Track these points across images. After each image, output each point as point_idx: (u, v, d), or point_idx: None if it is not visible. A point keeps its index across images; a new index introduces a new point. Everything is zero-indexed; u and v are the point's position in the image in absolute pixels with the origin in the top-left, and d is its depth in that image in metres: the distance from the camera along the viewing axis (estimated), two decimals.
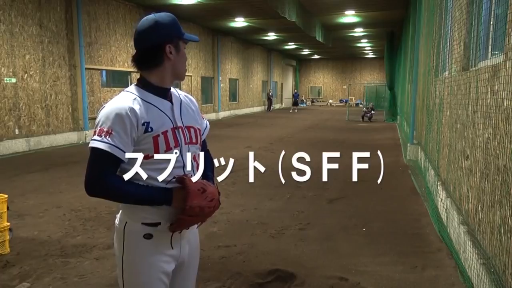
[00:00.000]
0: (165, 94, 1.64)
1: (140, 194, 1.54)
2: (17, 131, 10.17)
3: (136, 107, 1.54)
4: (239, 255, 3.85)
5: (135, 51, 1.62)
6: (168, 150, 1.58)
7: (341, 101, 38.06)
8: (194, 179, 1.62)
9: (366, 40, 25.70)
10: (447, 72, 5.38)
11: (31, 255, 3.81)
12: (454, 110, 4.64)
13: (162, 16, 1.60)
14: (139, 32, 1.59)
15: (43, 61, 10.86)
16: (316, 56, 37.56)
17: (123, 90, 1.64)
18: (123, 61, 14.10)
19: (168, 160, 1.57)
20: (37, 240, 4.20)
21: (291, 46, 28.63)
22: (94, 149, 1.50)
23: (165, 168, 1.55)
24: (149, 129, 1.54)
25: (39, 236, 4.32)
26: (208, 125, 1.90)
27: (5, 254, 3.77)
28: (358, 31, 21.60)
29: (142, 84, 1.62)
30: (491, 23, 3.59)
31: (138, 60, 1.61)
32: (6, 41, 9.75)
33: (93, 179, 1.51)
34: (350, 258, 3.79)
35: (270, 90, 31.03)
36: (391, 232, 4.50)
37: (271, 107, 30.57)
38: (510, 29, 2.65)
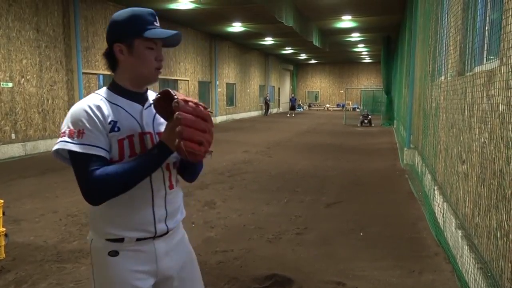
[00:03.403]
0: (136, 98, 1.53)
1: (138, 164, 1.42)
2: (13, 136, 10.13)
3: (103, 106, 1.46)
4: (236, 260, 3.84)
5: None
6: (133, 155, 1.46)
7: (338, 105, 38.16)
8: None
9: (362, 45, 25.83)
10: (443, 77, 5.41)
11: (27, 261, 3.79)
12: (450, 115, 4.67)
13: (120, 13, 1.49)
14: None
15: (40, 66, 10.84)
16: (313, 61, 37.70)
17: (93, 92, 1.56)
18: None
19: None
20: (33, 246, 4.17)
21: (288, 50, 28.74)
22: (72, 154, 1.38)
23: None
24: (115, 129, 1.44)
25: (35, 242, 4.29)
26: None
27: (1, 259, 3.75)
28: (355, 36, 21.71)
29: (112, 87, 1.53)
30: (486, 28, 3.62)
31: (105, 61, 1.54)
32: (3, 46, 9.74)
33: (88, 185, 1.37)
34: (348, 262, 3.79)
35: (268, 95, 31.09)
36: (388, 237, 4.50)
37: (269, 112, 30.62)
38: (505, 35, 2.68)
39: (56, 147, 1.41)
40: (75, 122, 1.41)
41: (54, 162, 8.62)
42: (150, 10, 1.52)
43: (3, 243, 3.79)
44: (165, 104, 1.42)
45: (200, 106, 1.43)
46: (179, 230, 1.69)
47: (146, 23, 1.47)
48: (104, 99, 1.49)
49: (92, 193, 1.39)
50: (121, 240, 1.49)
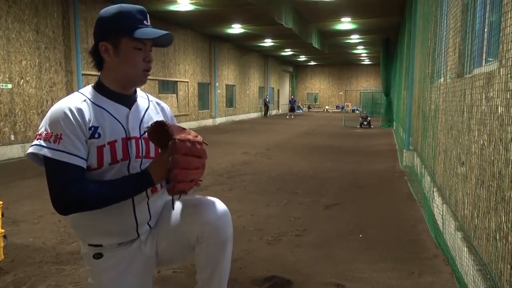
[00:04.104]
0: (123, 100, 1.44)
1: (119, 190, 1.34)
2: (12, 137, 10.13)
3: (85, 109, 1.35)
4: (235, 261, 3.82)
5: None
6: (114, 163, 1.38)
7: (337, 107, 38.19)
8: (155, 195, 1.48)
9: (362, 47, 25.87)
10: (442, 79, 5.42)
11: (25, 262, 3.78)
12: (449, 117, 4.67)
13: (108, 9, 1.39)
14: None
15: (40, 67, 10.84)
16: (312, 63, 37.75)
17: (76, 91, 1.45)
18: None
19: (109, 174, 1.36)
20: (31, 247, 4.17)
21: (287, 52, 28.77)
22: (47, 160, 1.28)
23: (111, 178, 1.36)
24: (96, 135, 1.34)
25: (34, 243, 4.28)
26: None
27: (0, 261, 3.74)
28: (354, 38, 21.75)
29: (98, 87, 1.43)
30: (485, 30, 3.63)
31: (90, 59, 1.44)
32: (2, 47, 9.74)
33: (60, 196, 1.29)
34: (347, 264, 3.78)
35: (267, 96, 31.11)
36: (387, 238, 4.50)
37: (268, 113, 30.64)
38: (503, 37, 2.68)
39: (30, 150, 1.31)
40: (54, 124, 1.30)
41: None
42: (140, 7, 1.42)
43: (1, 244, 3.78)
44: (159, 132, 1.36)
45: (196, 144, 1.35)
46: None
47: (135, 22, 1.36)
48: (88, 100, 1.38)
49: (64, 204, 1.30)
50: (100, 245, 1.47)
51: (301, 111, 36.77)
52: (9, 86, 9.99)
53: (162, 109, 1.59)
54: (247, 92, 27.99)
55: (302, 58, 33.06)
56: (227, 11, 14.73)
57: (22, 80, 10.36)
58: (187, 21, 16.56)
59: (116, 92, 1.42)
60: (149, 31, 1.37)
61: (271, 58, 32.21)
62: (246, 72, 27.61)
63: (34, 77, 10.68)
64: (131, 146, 1.41)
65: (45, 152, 1.28)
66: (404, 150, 9.43)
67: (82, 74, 12.12)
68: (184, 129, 1.40)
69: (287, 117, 28.66)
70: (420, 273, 3.59)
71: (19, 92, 10.28)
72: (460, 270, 3.46)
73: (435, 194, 5.16)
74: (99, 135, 1.35)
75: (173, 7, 13.99)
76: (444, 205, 4.54)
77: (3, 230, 3.82)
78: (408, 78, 10.15)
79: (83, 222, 1.43)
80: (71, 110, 1.32)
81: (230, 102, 25.00)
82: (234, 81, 25.46)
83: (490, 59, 3.35)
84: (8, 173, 8.16)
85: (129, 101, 1.46)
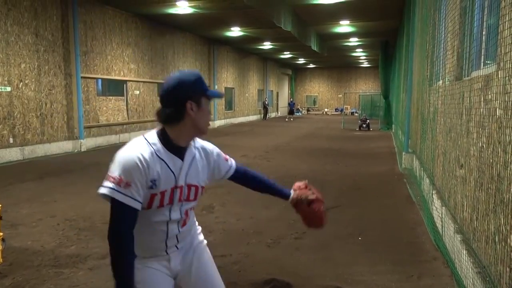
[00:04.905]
0: (180, 152, 1.69)
1: (123, 274, 1.58)
2: (11, 140, 10.11)
3: (151, 163, 1.60)
4: (234, 264, 3.82)
5: (160, 106, 1.67)
6: (161, 207, 1.66)
7: (336, 109, 38.23)
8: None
9: (361, 50, 25.93)
10: (441, 82, 5.43)
11: (24, 266, 3.77)
12: (448, 119, 4.68)
13: (186, 74, 1.68)
14: (164, 90, 1.65)
15: (39, 70, 10.85)
16: (311, 65, 37.81)
17: (143, 135, 1.69)
18: (119, 70, 14.12)
19: (154, 213, 1.67)
20: (30, 250, 4.15)
21: (286, 55, 28.81)
22: (116, 202, 1.55)
23: (154, 215, 1.67)
24: (153, 186, 1.61)
25: (33, 246, 4.27)
26: (234, 165, 1.99)
27: None
28: (353, 41, 21.80)
29: (162, 137, 1.67)
30: (484, 33, 3.64)
31: (162, 116, 1.66)
32: (1, 50, 9.74)
33: (114, 230, 1.57)
34: (346, 267, 3.78)
35: (266, 99, 31.14)
36: (387, 241, 4.50)
37: (267, 116, 30.65)
38: (501, 40, 2.69)
39: (105, 191, 1.55)
40: (126, 172, 1.55)
41: (52, 166, 8.50)
42: (198, 72, 1.76)
43: (0, 248, 3.77)
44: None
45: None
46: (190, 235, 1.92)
47: (205, 84, 1.70)
48: (154, 153, 1.62)
49: (111, 236, 1.57)
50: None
51: (300, 114, 36.80)
52: (8, 89, 9.99)
53: (207, 154, 1.85)
54: (246, 95, 28.01)
55: (301, 61, 33.11)
56: (226, 14, 14.76)
57: (21, 83, 10.35)
58: (186, 24, 16.59)
59: (178, 146, 1.68)
60: (216, 92, 1.77)
61: (270, 61, 32.25)
62: (245, 75, 27.65)
63: (33, 80, 10.69)
64: (176, 193, 1.68)
65: (117, 196, 1.54)
66: (403, 153, 9.44)
67: (81, 77, 12.12)
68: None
69: (286, 119, 28.68)
70: (420, 276, 3.59)
71: (18, 95, 10.27)
72: (459, 272, 3.46)
73: (434, 196, 5.16)
74: (155, 186, 1.62)
75: (172, 10, 14.02)
76: (443, 207, 4.54)
77: (1, 233, 3.81)
78: (407, 80, 10.18)
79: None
80: (141, 163, 1.57)
81: (229, 105, 25.01)
82: (233, 84, 25.49)
83: (488, 62, 3.36)
84: (7, 176, 8.14)
85: (184, 153, 1.72)
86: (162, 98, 1.67)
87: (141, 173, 1.56)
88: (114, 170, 1.57)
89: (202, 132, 1.72)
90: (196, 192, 1.75)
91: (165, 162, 1.63)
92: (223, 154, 1.96)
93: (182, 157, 1.69)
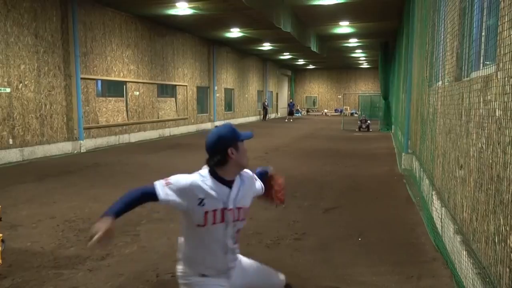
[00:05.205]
0: (227, 184, 2.12)
1: (118, 201, 2.05)
2: (11, 141, 10.11)
3: (198, 185, 2.07)
4: None
5: (208, 155, 2.12)
6: (214, 223, 2.09)
7: (336, 110, 38.25)
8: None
9: (360, 51, 25.94)
10: (440, 82, 5.43)
11: (23, 267, 3.77)
12: (447, 120, 4.68)
13: (223, 129, 2.16)
14: (208, 144, 2.11)
15: (38, 71, 10.85)
16: (311, 66, 37.82)
17: (198, 172, 2.15)
18: (119, 71, 14.12)
19: (211, 231, 2.13)
20: (29, 252, 4.15)
21: (286, 56, 28.83)
22: (153, 184, 2.07)
23: (212, 233, 2.12)
24: (203, 204, 2.05)
25: (32, 247, 4.27)
26: (262, 185, 2.48)
27: None
28: (353, 42, 21.82)
29: (211, 173, 2.12)
30: (483, 34, 3.65)
31: (211, 163, 2.11)
32: (1, 51, 9.73)
33: (135, 189, 2.08)
34: (346, 268, 3.78)
35: (266, 100, 31.15)
36: (386, 242, 4.50)
37: (267, 117, 30.66)
38: (501, 40, 2.70)
39: (155, 182, 2.09)
40: (174, 180, 2.07)
41: (52, 167, 8.51)
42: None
43: None
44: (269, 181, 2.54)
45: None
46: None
47: (237, 132, 2.17)
48: (203, 180, 2.09)
49: (133, 189, 2.09)
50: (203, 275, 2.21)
51: (300, 115, 36.82)
52: (8, 90, 9.99)
53: (249, 181, 2.29)
54: (246, 96, 28.02)
55: (301, 61, 33.12)
56: (226, 15, 14.77)
57: (21, 84, 10.35)
58: (186, 25, 16.60)
59: (225, 180, 2.13)
60: (248, 134, 2.21)
61: (269, 62, 32.26)
62: (245, 76, 27.65)
63: (32, 81, 10.68)
64: (227, 214, 2.12)
65: (157, 183, 2.08)
66: (403, 154, 9.44)
67: (81, 78, 12.12)
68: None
69: (286, 120, 28.69)
70: (419, 277, 3.59)
71: (18, 96, 10.27)
72: (459, 273, 3.46)
73: (434, 197, 5.16)
74: (204, 204, 2.05)
75: (172, 11, 14.03)
76: (443, 208, 4.54)
77: (1, 235, 3.81)
78: (406, 81, 10.19)
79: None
80: (191, 183, 2.07)
81: (229, 106, 25.01)
82: (233, 85, 25.49)
83: (488, 63, 3.37)
84: (6, 177, 8.14)
85: (230, 183, 2.15)
86: (208, 150, 2.11)
87: (185, 189, 2.03)
88: (172, 178, 2.08)
89: (244, 167, 2.22)
90: (245, 212, 2.21)
91: (214, 190, 2.08)
92: (255, 176, 2.42)
93: (230, 186, 2.13)
